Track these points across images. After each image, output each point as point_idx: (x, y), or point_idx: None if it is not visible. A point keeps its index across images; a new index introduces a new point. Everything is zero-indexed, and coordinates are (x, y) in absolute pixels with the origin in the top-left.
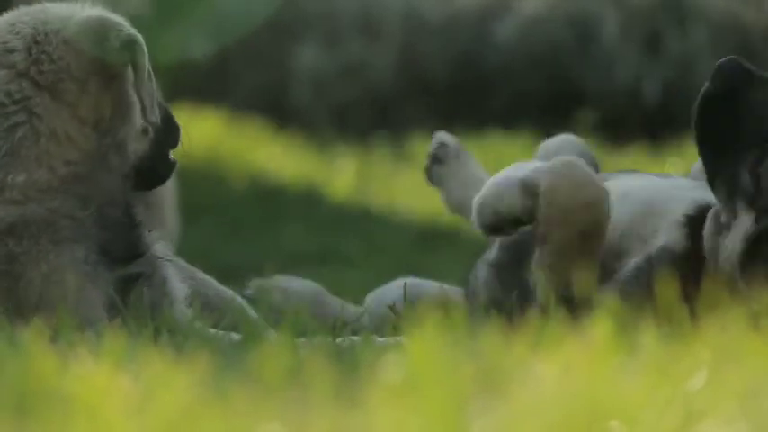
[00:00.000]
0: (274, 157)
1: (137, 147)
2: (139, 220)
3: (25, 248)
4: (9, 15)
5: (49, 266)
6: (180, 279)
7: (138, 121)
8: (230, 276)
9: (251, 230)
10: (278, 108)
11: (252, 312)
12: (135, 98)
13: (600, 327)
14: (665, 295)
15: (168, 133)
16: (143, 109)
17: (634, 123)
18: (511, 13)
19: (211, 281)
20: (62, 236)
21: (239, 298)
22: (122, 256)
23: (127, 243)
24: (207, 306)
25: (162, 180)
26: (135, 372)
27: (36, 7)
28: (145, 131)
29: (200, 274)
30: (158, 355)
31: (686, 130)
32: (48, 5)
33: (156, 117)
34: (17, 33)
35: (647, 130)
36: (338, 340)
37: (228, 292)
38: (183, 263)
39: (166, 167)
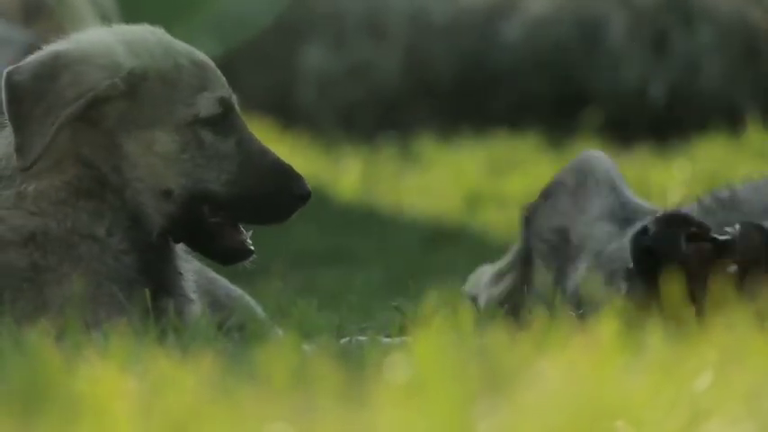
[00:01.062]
0: (281, 156)
1: (156, 204)
2: (174, 251)
3: (50, 264)
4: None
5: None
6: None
7: (147, 174)
8: (237, 275)
9: (257, 230)
10: (284, 108)
11: (259, 311)
12: (130, 148)
13: (605, 327)
14: (670, 295)
15: (235, 207)
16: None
17: (640, 124)
18: (517, 13)
19: (221, 279)
20: (88, 267)
21: (247, 297)
22: (152, 286)
23: (158, 272)
24: (216, 305)
25: (219, 258)
26: (141, 372)
27: (93, 29)
28: (166, 193)
29: (211, 273)
30: (164, 356)
31: (692, 130)
32: (81, 33)
33: (178, 184)
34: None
35: (653, 130)
36: (343, 340)
37: (237, 290)
38: (195, 261)
39: (221, 247)
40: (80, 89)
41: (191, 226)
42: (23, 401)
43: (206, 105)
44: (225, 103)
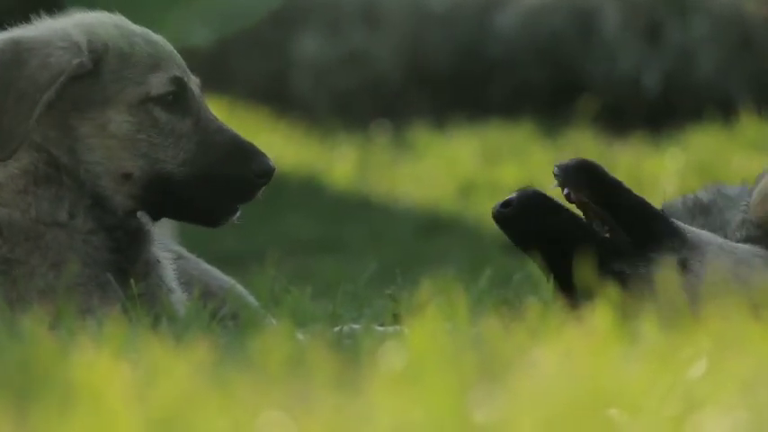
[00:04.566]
0: (275, 145)
1: (116, 187)
2: (145, 227)
3: (19, 257)
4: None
5: (47, 285)
6: (179, 298)
7: (105, 157)
8: (231, 264)
9: (252, 218)
10: (279, 96)
11: (252, 300)
12: (84, 130)
13: (601, 315)
14: (666, 285)
15: (205, 180)
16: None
17: (634, 113)
18: (513, 3)
19: (213, 270)
20: (58, 256)
21: (239, 287)
22: (128, 266)
23: (131, 251)
24: (208, 295)
25: (203, 221)
26: (135, 359)
27: (67, 17)
28: (125, 176)
29: (203, 265)
30: (158, 343)
31: (686, 120)
32: (65, 18)
33: (137, 166)
34: None
35: (648, 120)
36: (336, 329)
37: (230, 281)
38: (185, 253)
39: (200, 211)
40: (52, 71)
41: (161, 202)
42: (18, 388)
43: (157, 84)
44: (178, 83)
